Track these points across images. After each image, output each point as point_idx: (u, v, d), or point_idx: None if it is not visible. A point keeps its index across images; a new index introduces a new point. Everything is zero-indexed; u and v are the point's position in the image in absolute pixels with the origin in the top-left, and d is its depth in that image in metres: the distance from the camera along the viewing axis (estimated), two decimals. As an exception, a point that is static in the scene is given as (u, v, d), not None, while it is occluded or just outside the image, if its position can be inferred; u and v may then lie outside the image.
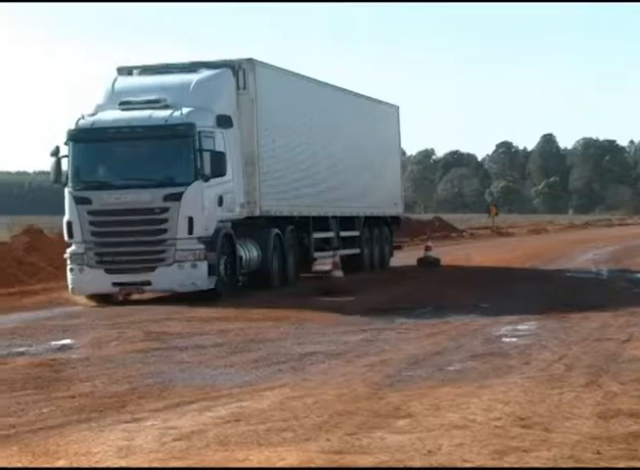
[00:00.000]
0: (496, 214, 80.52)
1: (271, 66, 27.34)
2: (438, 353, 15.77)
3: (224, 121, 24.19)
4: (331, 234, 31.05)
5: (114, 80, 25.38)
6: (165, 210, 22.97)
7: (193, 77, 25.04)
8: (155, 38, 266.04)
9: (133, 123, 23.47)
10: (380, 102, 38.33)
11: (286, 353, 16.17)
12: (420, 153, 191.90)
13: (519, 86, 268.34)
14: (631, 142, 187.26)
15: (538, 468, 6.46)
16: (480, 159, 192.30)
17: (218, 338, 18.53)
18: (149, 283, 23.24)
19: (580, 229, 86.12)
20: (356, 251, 32.93)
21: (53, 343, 17.99)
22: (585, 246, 50.54)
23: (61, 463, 9.22)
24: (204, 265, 22.84)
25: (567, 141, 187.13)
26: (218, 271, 23.36)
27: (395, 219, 38.66)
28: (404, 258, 39.25)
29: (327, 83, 32.75)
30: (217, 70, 25.23)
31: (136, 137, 23.54)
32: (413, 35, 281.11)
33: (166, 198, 22.93)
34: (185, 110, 23.36)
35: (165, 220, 23.01)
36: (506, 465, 8.80)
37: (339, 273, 27.17)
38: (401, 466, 5.76)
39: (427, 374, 13.85)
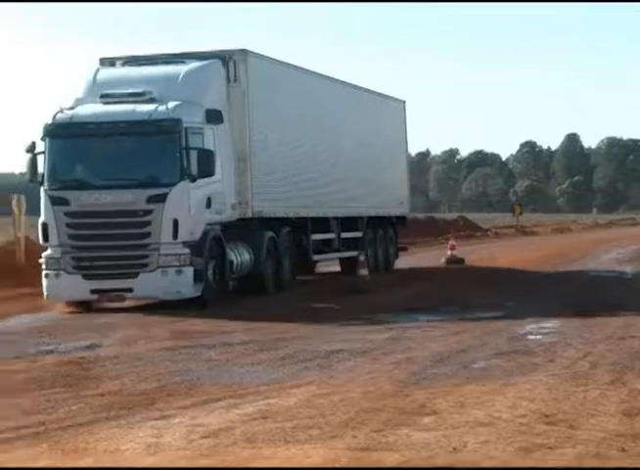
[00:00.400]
0: (520, 214, 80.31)
1: (265, 57, 24.97)
2: (463, 351, 15.78)
3: (214, 117, 21.89)
4: (332, 235, 28.99)
5: (96, 72, 23.06)
6: (149, 212, 20.60)
7: (180, 69, 22.63)
8: (155, 39, 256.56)
9: (115, 118, 21.11)
10: (386, 96, 35.82)
11: (312, 351, 16.20)
12: (444, 153, 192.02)
13: (543, 86, 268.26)
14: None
15: (561, 467, 6.09)
16: (504, 158, 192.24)
17: (245, 335, 18.55)
18: (130, 290, 20.80)
19: (604, 228, 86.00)
20: (359, 252, 29.53)
21: (81, 341, 17.85)
22: (609, 245, 50.45)
23: (89, 461, 9.24)
24: (189, 271, 20.53)
25: (591, 140, 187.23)
26: (206, 277, 21.14)
27: (401, 219, 36.23)
28: (430, 257, 39.29)
29: (327, 76, 30.14)
30: (206, 62, 22.83)
31: (118, 133, 21.09)
32: (436, 35, 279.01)
33: (150, 199, 20.57)
34: (171, 104, 21.06)
35: (149, 223, 20.63)
36: (531, 463, 8.79)
37: (364, 272, 27.19)
38: (427, 466, 5.68)
39: (452, 372, 13.83)
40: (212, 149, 21.47)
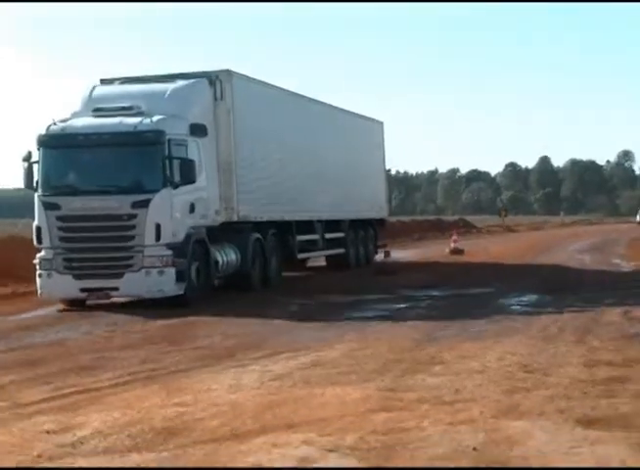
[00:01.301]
0: (506, 216, 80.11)
1: (248, 77, 21.87)
2: (462, 317, 15.75)
3: (198, 130, 19.05)
4: (316, 236, 25.69)
5: (93, 88, 20.41)
6: (133, 216, 17.87)
7: (168, 86, 19.87)
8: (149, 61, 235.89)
9: (103, 130, 18.44)
10: (364, 117, 32.00)
11: (348, 317, 16.29)
12: (448, 170, 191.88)
13: (523, 119, 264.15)
14: (607, 161, 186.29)
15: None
16: (493, 175, 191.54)
17: (297, 308, 18.55)
18: (116, 289, 18.00)
19: (569, 227, 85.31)
20: (342, 250, 27.74)
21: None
22: (572, 239, 50.15)
23: (188, 397, 9.34)
24: (171, 272, 17.72)
25: (559, 161, 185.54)
26: (188, 277, 18.19)
27: (380, 221, 32.60)
28: (438, 249, 39.12)
29: (307, 97, 26.50)
30: (192, 80, 20.12)
31: (105, 143, 18.34)
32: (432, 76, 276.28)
33: (134, 205, 17.82)
34: (156, 117, 18.31)
35: (133, 227, 17.89)
36: (513, 401, 8.84)
37: (390, 260, 27.15)
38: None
39: (454, 333, 13.87)
40: (197, 159, 18.83)
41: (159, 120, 18.14)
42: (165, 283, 17.74)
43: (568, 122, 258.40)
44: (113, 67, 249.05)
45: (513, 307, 17.63)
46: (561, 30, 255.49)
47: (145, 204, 17.78)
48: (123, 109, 18.82)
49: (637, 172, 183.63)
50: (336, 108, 28.76)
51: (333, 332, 14.35)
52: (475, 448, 7.15)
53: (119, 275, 17.89)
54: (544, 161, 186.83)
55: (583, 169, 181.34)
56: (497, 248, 40.58)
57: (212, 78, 20.02)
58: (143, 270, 17.74)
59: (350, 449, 7.17)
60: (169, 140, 18.04)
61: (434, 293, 20.35)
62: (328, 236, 26.52)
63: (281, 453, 7.11)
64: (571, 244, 44.58)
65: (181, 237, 18.14)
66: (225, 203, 20.18)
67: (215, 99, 20.08)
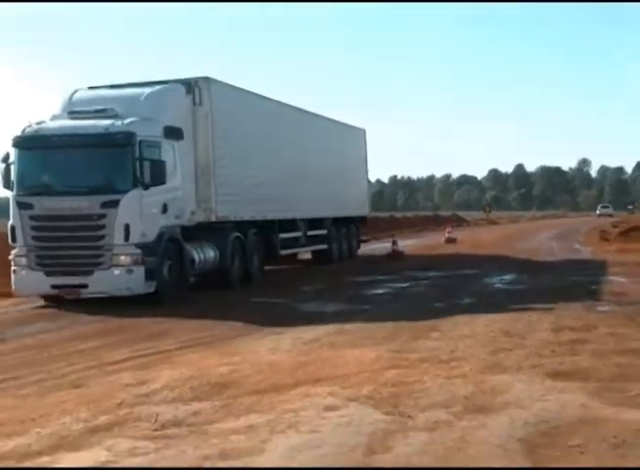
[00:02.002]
0: (489, 212, 79.96)
1: (226, 84, 19.00)
2: (455, 293, 15.75)
3: (173, 133, 16.46)
4: (299, 234, 22.71)
5: (74, 93, 17.57)
6: (103, 216, 15.24)
7: (144, 91, 17.11)
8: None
9: (75, 131, 15.87)
10: (346, 125, 28.29)
11: (364, 295, 16.27)
12: (443, 175, 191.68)
13: (503, 132, 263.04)
14: (570, 168, 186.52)
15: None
16: (479, 179, 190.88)
17: (322, 284, 18.49)
18: (86, 286, 15.38)
19: (539, 220, 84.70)
20: (325, 246, 24.74)
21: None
22: (542, 230, 49.82)
23: (238, 358, 9.39)
24: (140, 270, 15.09)
25: (531, 167, 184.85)
26: (160, 275, 15.46)
27: (362, 219, 29.30)
28: (436, 238, 39.02)
29: (286, 103, 22.91)
30: (168, 85, 17.51)
31: (77, 145, 15.73)
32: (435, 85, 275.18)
33: (104, 205, 15.23)
34: (127, 119, 15.77)
35: (103, 227, 15.25)
36: (496, 359, 8.86)
37: (400, 249, 26.84)
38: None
39: (448, 306, 13.86)
40: (171, 161, 16.20)
41: (130, 123, 15.62)
42: (134, 281, 15.06)
43: (538, 135, 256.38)
44: (97, 73, 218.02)
45: (495, 285, 17.60)
46: (539, 48, 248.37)
47: (114, 204, 15.18)
48: (98, 111, 16.26)
49: (593, 176, 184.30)
50: (318, 115, 25.52)
51: (351, 306, 14.34)
52: (465, 397, 7.22)
53: (89, 273, 15.25)
54: (519, 167, 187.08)
55: (551, 174, 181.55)
56: (483, 237, 40.42)
57: (192, 84, 17.45)
58: (112, 269, 15.14)
59: (366, 398, 7.23)
60: (140, 142, 15.44)
61: (433, 274, 20.29)
62: (311, 233, 23.59)
63: (311, 402, 7.17)
64: (542, 233, 44.37)
65: (152, 237, 15.42)
66: (204, 203, 17.42)
67: (194, 104, 17.38)
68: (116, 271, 14.98)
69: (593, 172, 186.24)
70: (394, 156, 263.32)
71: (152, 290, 15.11)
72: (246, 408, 7.06)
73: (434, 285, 17.77)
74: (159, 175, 15.54)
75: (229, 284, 17.82)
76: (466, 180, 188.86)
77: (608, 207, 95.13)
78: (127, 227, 15.01)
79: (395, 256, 25.88)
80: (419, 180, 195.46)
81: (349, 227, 27.18)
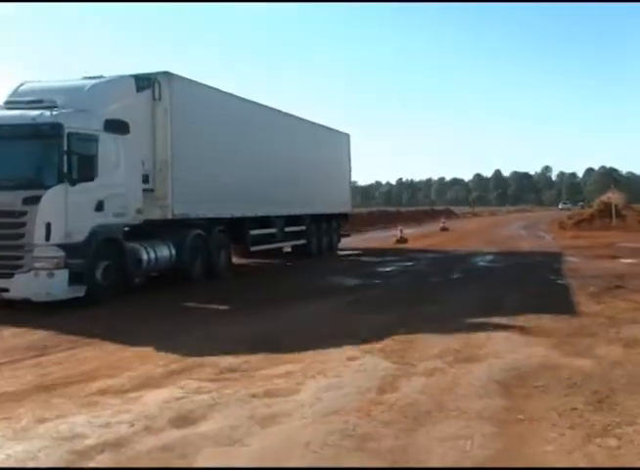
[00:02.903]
0: (474, 207, 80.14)
1: (188, 79, 14.50)
2: (447, 269, 15.55)
3: (116, 126, 12.01)
4: (273, 230, 17.97)
5: (21, 84, 13.16)
6: (24, 213, 10.75)
7: (89, 83, 12.73)
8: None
9: (3, 122, 11.41)
10: (328, 129, 23.13)
11: (376, 271, 15.97)
12: (438, 178, 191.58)
13: (486, 144, 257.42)
14: (535, 172, 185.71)
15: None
16: (466, 181, 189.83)
17: (340, 264, 18.11)
18: (7, 290, 10.74)
19: (512, 213, 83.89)
20: (303, 241, 20.10)
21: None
22: (515, 221, 49.50)
23: (258, 315, 9.32)
24: (62, 274, 10.62)
25: (506, 172, 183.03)
26: (92, 278, 10.99)
27: (344, 216, 24.11)
28: (432, 227, 38.77)
29: (256, 102, 17.48)
30: (115, 77, 13.18)
31: (4, 136, 11.38)
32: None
33: (25, 201, 10.77)
34: (57, 110, 11.40)
35: (24, 225, 10.74)
36: (482, 315, 8.76)
37: (406, 236, 26.55)
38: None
39: (441, 279, 13.69)
40: (114, 156, 11.88)
41: (59, 114, 11.27)
42: (55, 286, 10.58)
43: (514, 147, 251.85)
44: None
45: (479, 263, 17.43)
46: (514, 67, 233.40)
47: (36, 200, 10.72)
48: (33, 102, 11.87)
49: (553, 179, 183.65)
50: (293, 116, 20.03)
51: (365, 280, 14.03)
52: (456, 350, 7.16)
53: (10, 275, 10.71)
54: (497, 172, 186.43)
55: (521, 177, 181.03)
56: (469, 226, 40.29)
57: (151, 79, 13.50)
58: (32, 272, 10.63)
59: (379, 351, 7.17)
60: (70, 134, 11.08)
61: (430, 255, 20.14)
62: (289, 229, 18.96)
63: (336, 352, 7.13)
64: (514, 223, 44.06)
65: (81, 237, 11.03)
66: (161, 201, 13.29)
67: (154, 99, 13.38)
68: (36, 274, 10.57)
69: (553, 176, 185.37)
70: (401, 162, 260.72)
71: (80, 294, 10.74)
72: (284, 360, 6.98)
73: (432, 263, 17.58)
74: (88, 170, 11.35)
75: (190, 281, 13.67)
76: (456, 182, 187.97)
77: (567, 203, 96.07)
78: (49, 226, 10.66)
79: (402, 240, 25.72)
80: (420, 182, 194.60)
81: (330, 223, 22.43)
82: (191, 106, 14.17)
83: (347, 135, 24.91)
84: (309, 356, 7.01)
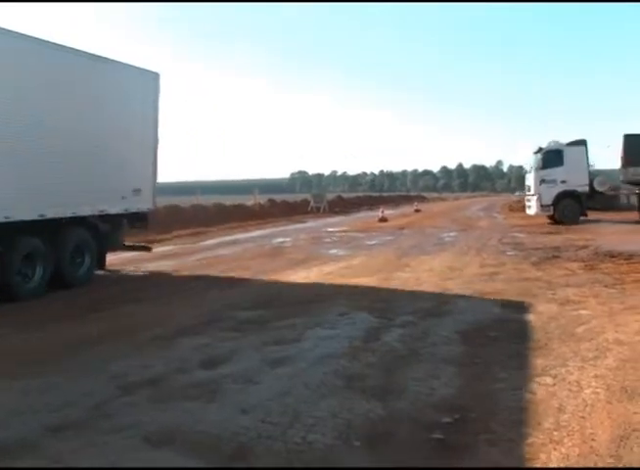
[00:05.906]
0: (441, 193, 79.91)
1: None
2: (421, 243, 15.47)
3: None
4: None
5: None
6: None
7: None
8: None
9: None
10: (115, 63, 9.41)
11: (362, 244, 15.81)
12: (412, 170, 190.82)
13: (452, 140, 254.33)
14: (490, 166, 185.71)
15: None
16: (435, 172, 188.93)
17: (337, 238, 17.84)
18: None
19: (471, 198, 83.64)
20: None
21: (276, 240, 17.07)
22: (474, 204, 49.22)
23: (274, 277, 9.35)
24: None
25: (467, 164, 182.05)
26: None
27: (136, 216, 10.21)
28: (407, 209, 38.63)
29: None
30: None
31: None
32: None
33: None
34: None
35: None
36: (445, 284, 8.78)
37: (385, 216, 26.35)
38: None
39: (417, 252, 13.55)
40: None
41: None
42: None
43: (475, 144, 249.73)
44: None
45: (446, 238, 17.40)
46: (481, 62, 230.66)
47: None
48: None
49: (505, 171, 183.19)
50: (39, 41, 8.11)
51: (354, 252, 13.94)
52: (426, 308, 7.18)
53: None
54: (460, 165, 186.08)
55: (479, 169, 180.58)
56: (437, 208, 40.18)
57: None
58: None
59: (365, 308, 7.21)
60: None
61: (406, 232, 20.06)
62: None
63: (331, 312, 7.15)
64: (473, 206, 43.85)
65: None
66: None
67: None
68: None
69: (505, 168, 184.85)
70: (398, 157, 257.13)
71: None
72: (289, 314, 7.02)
73: (407, 239, 17.53)
74: None
75: None
76: (427, 173, 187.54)
77: (519, 192, 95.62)
78: None
79: (383, 220, 25.68)
80: (397, 173, 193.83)
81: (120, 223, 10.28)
82: None
83: (155, 75, 10.72)
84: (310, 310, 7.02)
